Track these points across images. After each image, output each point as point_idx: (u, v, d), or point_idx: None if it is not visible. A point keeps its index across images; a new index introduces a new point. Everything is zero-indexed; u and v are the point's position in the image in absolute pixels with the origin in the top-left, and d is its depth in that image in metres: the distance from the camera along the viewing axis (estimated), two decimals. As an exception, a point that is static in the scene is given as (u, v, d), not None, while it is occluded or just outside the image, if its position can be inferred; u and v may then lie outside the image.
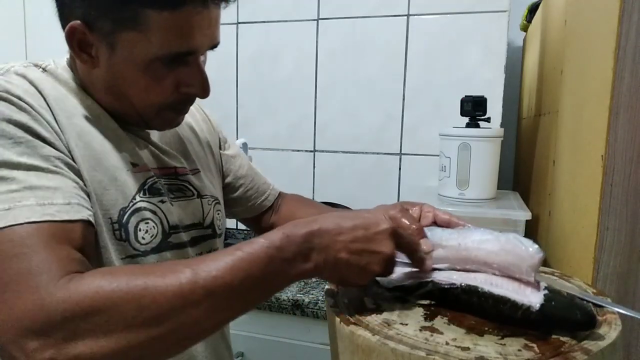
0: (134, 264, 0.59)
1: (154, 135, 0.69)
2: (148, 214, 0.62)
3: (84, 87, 0.62)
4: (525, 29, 1.59)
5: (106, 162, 0.59)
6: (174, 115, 0.65)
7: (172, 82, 0.60)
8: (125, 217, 0.59)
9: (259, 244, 0.47)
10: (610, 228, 0.65)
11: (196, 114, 0.81)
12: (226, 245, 0.79)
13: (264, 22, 1.65)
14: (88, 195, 0.55)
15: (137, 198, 0.61)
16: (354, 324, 0.48)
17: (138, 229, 0.60)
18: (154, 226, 0.62)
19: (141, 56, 0.56)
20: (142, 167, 0.64)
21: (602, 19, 0.69)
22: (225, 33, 1.68)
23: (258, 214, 0.90)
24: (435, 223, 0.62)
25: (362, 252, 0.49)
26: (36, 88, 0.56)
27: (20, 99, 0.53)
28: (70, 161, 0.55)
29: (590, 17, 0.79)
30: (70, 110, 0.58)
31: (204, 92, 0.62)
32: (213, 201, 0.75)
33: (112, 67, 0.58)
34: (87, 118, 0.60)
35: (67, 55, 0.64)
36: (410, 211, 0.62)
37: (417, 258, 0.54)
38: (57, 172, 0.52)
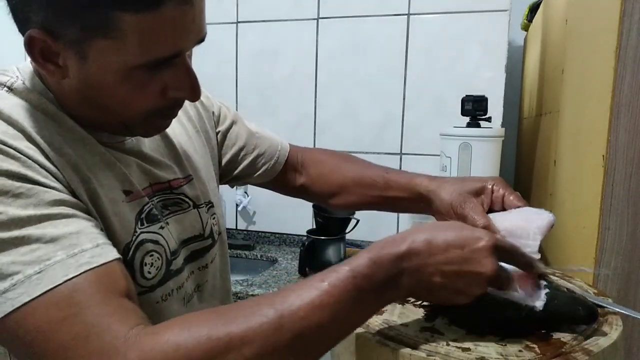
0: (142, 302, 0.53)
1: (143, 144, 0.63)
2: (151, 246, 0.57)
3: (57, 99, 0.54)
4: (526, 28, 1.58)
5: (103, 195, 0.53)
6: (161, 122, 0.58)
7: (158, 88, 0.53)
8: (131, 253, 0.54)
9: (344, 273, 0.42)
10: (612, 228, 0.65)
11: (187, 104, 0.73)
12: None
13: (263, 21, 1.65)
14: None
15: (138, 230, 0.56)
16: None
17: (144, 263, 0.56)
18: (158, 257, 0.57)
19: (118, 66, 0.48)
20: (136, 193, 0.57)
21: (603, 18, 0.69)
22: (225, 32, 1.68)
23: (275, 177, 0.82)
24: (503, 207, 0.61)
25: (459, 274, 0.44)
26: (14, 126, 0.49)
27: (4, 144, 0.46)
28: (76, 200, 0.49)
29: (591, 16, 0.79)
30: (56, 142, 0.51)
31: (194, 94, 0.56)
32: (208, 207, 0.70)
33: (85, 79, 0.50)
34: (73, 146, 0.53)
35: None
36: (482, 196, 0.62)
37: (523, 264, 0.48)
38: (70, 215, 0.47)
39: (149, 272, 0.56)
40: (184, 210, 0.65)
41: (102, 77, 0.50)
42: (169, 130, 0.66)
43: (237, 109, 1.71)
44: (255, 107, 1.69)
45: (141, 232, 0.56)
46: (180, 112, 0.68)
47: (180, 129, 0.69)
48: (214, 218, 0.70)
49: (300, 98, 1.64)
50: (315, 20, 1.60)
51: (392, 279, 0.43)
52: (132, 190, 0.57)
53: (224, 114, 0.80)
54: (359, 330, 0.47)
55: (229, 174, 0.80)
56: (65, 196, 0.48)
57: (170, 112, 0.57)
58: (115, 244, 0.50)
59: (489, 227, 0.56)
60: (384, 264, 0.43)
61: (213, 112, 0.78)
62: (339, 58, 1.59)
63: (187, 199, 0.66)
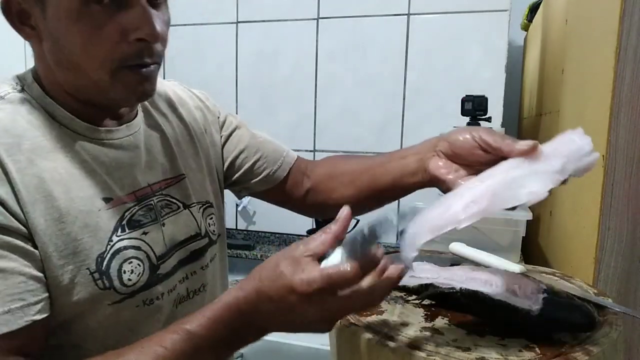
0: (122, 308, 0.55)
1: (137, 141, 0.61)
2: (131, 252, 0.56)
3: (50, 93, 0.55)
4: (526, 28, 1.58)
5: (73, 209, 0.52)
6: (133, 77, 0.53)
7: (116, 29, 0.50)
8: (105, 263, 0.53)
9: (182, 336, 0.45)
10: (611, 228, 0.65)
11: (188, 102, 0.73)
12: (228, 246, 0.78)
13: (263, 21, 1.65)
14: (44, 263, 0.50)
15: (115, 238, 0.55)
16: (355, 324, 0.48)
17: (122, 271, 0.55)
18: (139, 264, 0.56)
19: (69, 4, 0.48)
20: (117, 200, 0.56)
21: (603, 18, 0.69)
22: (225, 32, 1.68)
23: (279, 186, 0.77)
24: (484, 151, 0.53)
25: (293, 322, 0.45)
26: None
27: None
28: (22, 242, 0.48)
29: (591, 16, 0.79)
30: (31, 149, 0.51)
31: (152, 31, 0.52)
32: (202, 207, 0.68)
33: (50, 34, 0.51)
34: (53, 157, 0.52)
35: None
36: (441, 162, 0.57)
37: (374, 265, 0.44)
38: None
39: (129, 279, 0.55)
40: (174, 211, 0.64)
41: (60, 24, 0.50)
42: (167, 129, 0.66)
43: (237, 109, 1.71)
44: (255, 107, 1.69)
45: (119, 240, 0.55)
46: (184, 113, 0.70)
47: (182, 128, 0.69)
48: (211, 218, 0.69)
49: (300, 98, 1.64)
50: (315, 20, 1.60)
51: (239, 330, 0.46)
52: (113, 197, 0.56)
53: (229, 119, 0.79)
54: (360, 331, 0.47)
55: (229, 178, 0.78)
56: (7, 239, 0.47)
57: (137, 60, 0.53)
58: (83, 257, 0.52)
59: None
60: (223, 320, 0.45)
61: (218, 117, 0.77)
62: (339, 58, 1.59)
63: (174, 200, 0.64)
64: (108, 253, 0.54)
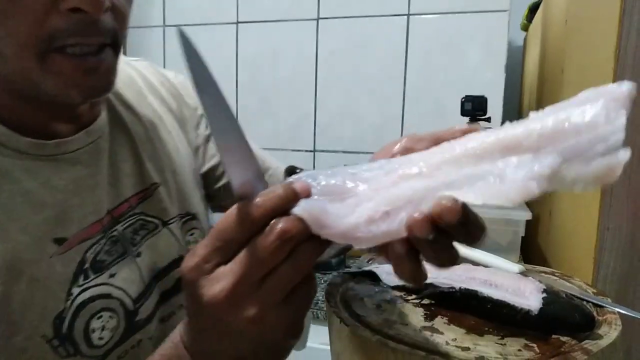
0: None
1: (102, 149, 0.48)
2: (100, 304, 0.44)
3: None
4: (525, 28, 1.59)
5: (17, 261, 0.40)
6: (69, 64, 0.39)
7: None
8: (66, 324, 0.42)
9: None
10: (611, 228, 0.65)
11: (160, 89, 0.59)
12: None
13: (263, 21, 1.65)
14: None
15: (76, 290, 0.43)
16: (355, 324, 0.48)
17: (90, 330, 0.43)
18: (111, 316, 0.45)
19: None
20: (75, 238, 0.44)
21: (603, 18, 0.69)
22: (225, 33, 1.68)
23: None
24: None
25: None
26: None
27: None
28: None
29: (591, 16, 0.79)
30: None
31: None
32: (182, 220, 0.56)
33: None
34: None
35: None
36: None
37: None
38: None
39: (100, 339, 0.44)
40: (151, 232, 0.51)
41: None
42: (134, 127, 0.52)
43: (237, 110, 1.71)
44: (255, 107, 1.69)
45: (82, 291, 0.43)
46: (156, 102, 0.56)
47: (153, 123, 0.56)
48: (192, 234, 0.57)
49: (300, 98, 1.64)
50: (315, 21, 1.60)
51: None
52: (67, 237, 0.43)
53: None
54: (359, 330, 0.47)
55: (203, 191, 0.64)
56: None
57: (71, 41, 0.39)
58: (35, 324, 0.40)
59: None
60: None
61: (197, 112, 0.64)
62: (339, 58, 1.59)
63: (150, 218, 0.52)
64: (69, 311, 0.42)
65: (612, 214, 0.65)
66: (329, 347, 0.54)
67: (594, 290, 0.58)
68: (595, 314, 0.50)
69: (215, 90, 0.33)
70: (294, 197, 0.31)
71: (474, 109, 1.20)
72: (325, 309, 0.54)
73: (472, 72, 1.47)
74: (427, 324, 0.50)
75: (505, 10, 1.42)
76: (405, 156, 0.34)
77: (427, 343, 0.45)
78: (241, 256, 0.30)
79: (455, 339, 0.46)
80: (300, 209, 0.31)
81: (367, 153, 1.58)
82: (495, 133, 0.30)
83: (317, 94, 1.63)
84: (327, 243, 0.32)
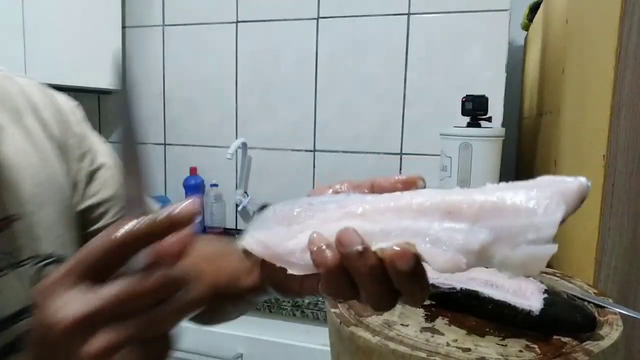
0: None
1: None
2: None
3: None
4: (526, 28, 1.58)
5: None
6: None
7: None
8: None
9: None
10: (612, 228, 0.65)
11: (43, 111, 0.53)
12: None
13: (263, 21, 1.65)
14: None
15: None
16: (355, 325, 0.48)
17: None
18: None
19: None
20: None
21: (604, 17, 0.69)
22: (225, 32, 1.68)
23: None
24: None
25: None
26: None
27: None
28: None
29: (592, 16, 0.79)
30: None
31: None
32: (39, 264, 0.47)
33: None
34: None
35: None
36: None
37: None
38: None
39: None
40: None
41: None
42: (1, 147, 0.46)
43: (237, 109, 1.71)
44: (255, 107, 1.69)
45: None
46: (35, 124, 0.50)
47: (27, 146, 0.49)
48: None
49: (300, 98, 1.64)
50: (315, 20, 1.60)
51: None
52: None
53: (99, 151, 0.58)
54: (360, 331, 0.47)
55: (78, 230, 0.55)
56: None
57: None
58: None
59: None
60: None
61: (83, 143, 0.57)
62: (339, 58, 1.59)
63: None
64: None
65: (613, 214, 0.65)
66: (329, 349, 0.54)
67: (595, 291, 0.58)
68: (596, 314, 0.50)
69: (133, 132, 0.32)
70: (168, 225, 0.28)
71: (475, 108, 1.20)
72: (325, 309, 0.54)
73: (473, 72, 1.46)
74: (428, 324, 0.49)
75: (505, 10, 1.42)
76: (359, 195, 0.36)
77: (428, 344, 0.44)
78: (110, 284, 0.28)
79: (456, 340, 0.46)
80: (244, 240, 0.35)
81: (367, 153, 1.58)
82: (442, 194, 0.30)
83: (317, 94, 1.63)
84: (196, 309, 0.30)
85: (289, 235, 0.34)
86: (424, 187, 0.35)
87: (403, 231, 0.30)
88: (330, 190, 0.38)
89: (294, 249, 0.33)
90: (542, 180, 0.29)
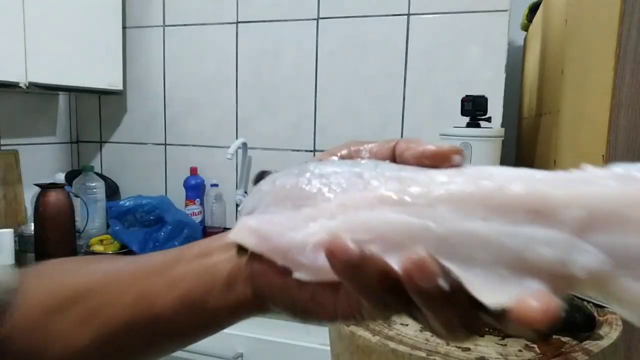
0: None
1: None
2: None
3: None
4: (525, 28, 1.58)
5: None
6: None
7: None
8: None
9: None
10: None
11: None
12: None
13: (263, 21, 1.65)
14: None
15: None
16: (355, 324, 0.48)
17: None
18: None
19: None
20: None
21: (603, 18, 0.69)
22: (225, 32, 1.68)
23: None
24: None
25: None
26: None
27: None
28: None
29: (591, 16, 0.79)
30: None
31: None
32: None
33: None
34: None
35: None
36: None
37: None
38: None
39: None
40: None
41: None
42: None
43: (237, 109, 1.71)
44: (255, 107, 1.69)
45: None
46: None
47: None
48: None
49: (300, 98, 1.64)
50: (315, 21, 1.60)
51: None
52: None
53: None
54: (360, 331, 0.47)
55: None
56: None
57: None
58: None
59: None
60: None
61: None
62: (339, 58, 1.59)
63: None
64: None
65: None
66: (328, 348, 0.54)
67: (595, 291, 0.58)
68: (596, 314, 0.50)
69: None
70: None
71: (474, 108, 1.20)
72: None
73: (472, 72, 1.46)
74: (428, 324, 0.49)
75: (505, 10, 1.42)
76: (391, 166, 0.26)
77: (428, 343, 0.45)
78: None
79: (456, 340, 0.46)
80: (234, 230, 0.27)
81: (368, 153, 1.58)
82: (521, 181, 0.21)
83: (317, 94, 1.63)
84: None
85: (297, 221, 0.25)
86: (461, 164, 0.26)
87: (468, 238, 0.20)
88: (337, 157, 0.29)
89: (305, 242, 0.24)
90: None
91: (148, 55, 1.77)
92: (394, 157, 0.28)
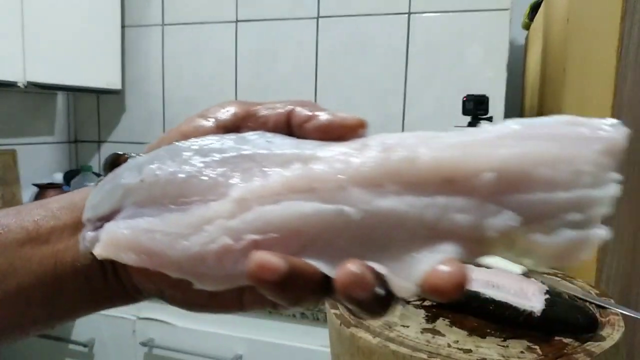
0: None
1: None
2: None
3: None
4: (527, 27, 1.58)
5: None
6: None
7: None
8: None
9: None
10: (613, 228, 0.65)
11: None
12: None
13: (263, 20, 1.64)
14: None
15: None
16: (355, 326, 0.48)
17: None
18: None
19: None
20: None
21: (605, 17, 0.69)
22: (224, 31, 1.68)
23: None
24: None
25: None
26: None
27: None
28: None
29: (593, 15, 0.79)
30: None
31: None
32: None
33: None
34: None
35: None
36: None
37: None
38: None
39: None
40: None
41: None
42: None
43: (237, 109, 1.71)
44: (255, 106, 1.69)
45: None
46: None
47: None
48: None
49: (300, 97, 1.63)
50: (315, 19, 1.59)
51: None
52: None
53: None
54: (360, 332, 0.46)
55: None
56: None
57: None
58: None
59: None
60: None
61: None
62: (339, 57, 1.59)
63: None
64: None
65: (615, 214, 0.64)
66: (328, 350, 0.54)
67: (597, 292, 0.57)
68: (598, 315, 0.49)
69: None
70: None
71: (476, 108, 1.20)
72: (325, 310, 0.54)
73: (474, 71, 1.46)
74: (429, 325, 0.49)
75: (506, 9, 1.41)
76: (289, 141, 0.23)
77: (429, 345, 0.44)
78: None
79: (457, 341, 0.45)
80: (100, 244, 0.22)
81: (368, 152, 1.58)
82: (429, 148, 0.20)
83: (317, 93, 1.63)
84: None
85: (187, 226, 0.20)
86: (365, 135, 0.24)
87: (386, 217, 0.19)
88: (211, 122, 0.25)
89: (203, 254, 0.20)
90: (561, 124, 0.20)
91: (147, 54, 1.77)
92: (290, 127, 0.25)
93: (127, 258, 0.21)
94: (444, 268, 0.19)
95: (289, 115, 0.25)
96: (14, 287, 0.24)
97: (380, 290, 0.20)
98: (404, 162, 0.20)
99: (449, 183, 0.19)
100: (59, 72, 1.48)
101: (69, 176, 1.68)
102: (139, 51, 1.77)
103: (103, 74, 1.66)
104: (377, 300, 0.20)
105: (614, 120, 0.20)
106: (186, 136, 0.24)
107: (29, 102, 1.68)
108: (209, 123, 0.25)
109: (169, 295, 0.24)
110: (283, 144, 0.22)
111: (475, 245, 0.20)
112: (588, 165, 0.20)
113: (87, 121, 1.88)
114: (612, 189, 0.21)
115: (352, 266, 0.19)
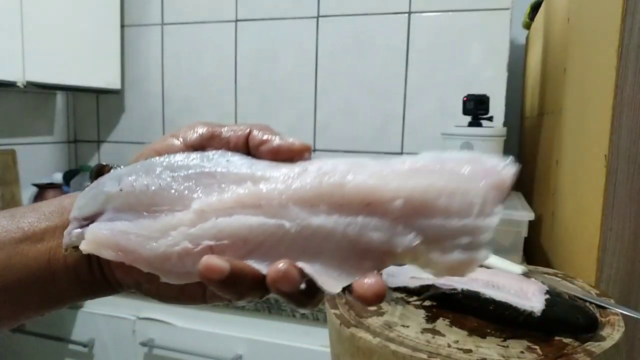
0: None
1: None
2: None
3: None
4: (527, 26, 1.58)
5: None
6: None
7: None
8: None
9: None
10: (614, 229, 0.64)
11: None
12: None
13: (263, 19, 1.64)
14: None
15: None
16: (355, 326, 0.48)
17: None
18: None
19: None
20: None
21: (606, 16, 0.69)
22: (224, 31, 1.68)
23: None
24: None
25: None
26: None
27: None
28: None
29: (594, 14, 0.78)
30: None
31: None
32: None
33: None
34: None
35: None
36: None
37: None
38: None
39: None
40: None
41: None
42: None
43: (236, 109, 1.71)
44: (255, 106, 1.69)
45: None
46: None
47: None
48: None
49: (300, 97, 1.64)
50: (315, 19, 1.59)
51: None
52: None
53: None
54: (360, 332, 0.46)
55: None
56: None
57: None
58: None
59: None
60: None
61: None
62: (339, 57, 1.58)
63: None
64: None
65: (615, 214, 0.64)
66: (328, 350, 0.54)
67: (597, 292, 0.57)
68: (598, 315, 0.49)
69: None
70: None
71: (476, 108, 1.20)
72: (325, 310, 0.53)
73: (474, 71, 1.46)
74: (429, 325, 0.49)
75: (507, 9, 1.41)
76: (245, 160, 0.27)
77: (429, 345, 0.44)
78: None
79: (457, 341, 0.45)
80: (85, 241, 0.26)
81: (368, 152, 1.58)
82: (355, 175, 0.25)
83: (317, 93, 1.63)
84: None
85: (156, 232, 0.25)
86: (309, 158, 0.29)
87: (317, 232, 0.24)
88: (180, 142, 0.30)
89: (168, 254, 0.25)
90: (470, 166, 0.24)
91: (146, 53, 1.76)
92: (248, 147, 0.30)
93: (107, 254, 0.26)
94: (368, 280, 0.24)
95: (247, 137, 0.30)
96: (11, 280, 0.28)
97: (304, 286, 0.24)
98: (334, 187, 0.24)
99: (367, 206, 0.24)
100: (58, 72, 1.48)
101: (69, 176, 1.68)
102: (139, 51, 1.77)
103: (102, 74, 1.66)
104: (303, 294, 0.24)
105: (507, 161, 0.24)
106: (159, 153, 0.30)
107: (29, 102, 1.68)
108: (179, 142, 0.30)
109: (145, 288, 0.29)
110: (240, 164, 0.27)
111: (387, 257, 0.24)
112: (478, 197, 0.23)
113: (87, 121, 1.87)
114: (494, 220, 0.24)
115: (281, 265, 0.24)
